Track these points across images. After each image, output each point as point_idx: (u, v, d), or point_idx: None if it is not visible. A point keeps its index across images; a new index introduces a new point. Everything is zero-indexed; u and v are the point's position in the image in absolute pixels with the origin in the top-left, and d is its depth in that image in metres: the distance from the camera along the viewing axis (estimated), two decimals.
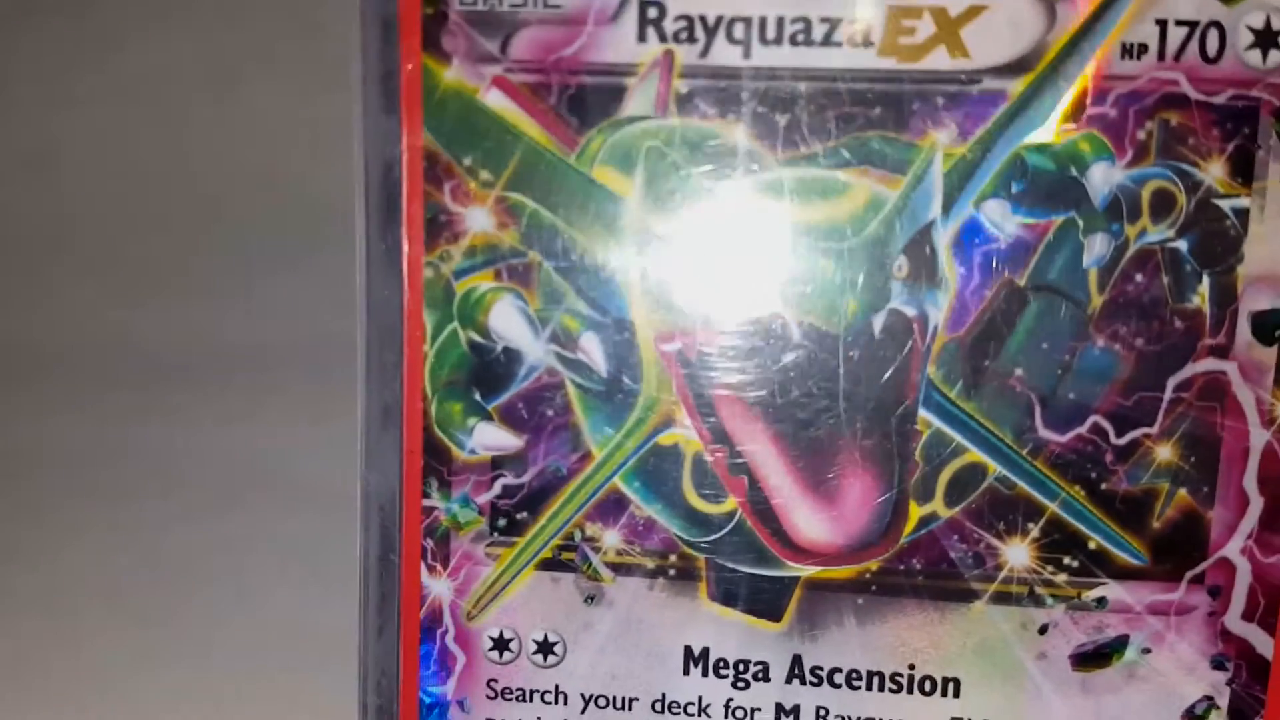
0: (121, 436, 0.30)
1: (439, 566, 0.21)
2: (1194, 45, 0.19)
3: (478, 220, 0.20)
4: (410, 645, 0.22)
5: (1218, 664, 0.21)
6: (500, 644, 0.21)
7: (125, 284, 0.31)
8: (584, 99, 0.20)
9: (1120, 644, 0.21)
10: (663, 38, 0.19)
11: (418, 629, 0.22)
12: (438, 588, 0.21)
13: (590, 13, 0.19)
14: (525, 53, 0.20)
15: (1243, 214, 0.19)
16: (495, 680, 0.22)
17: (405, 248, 0.20)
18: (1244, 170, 0.19)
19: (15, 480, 0.30)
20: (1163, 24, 0.19)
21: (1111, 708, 0.21)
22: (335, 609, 0.27)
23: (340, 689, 0.27)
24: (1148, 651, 0.21)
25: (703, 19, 0.19)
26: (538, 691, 0.22)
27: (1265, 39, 0.19)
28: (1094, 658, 0.21)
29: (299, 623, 0.27)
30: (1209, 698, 0.21)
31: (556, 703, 0.22)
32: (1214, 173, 0.19)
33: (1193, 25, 0.19)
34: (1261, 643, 0.20)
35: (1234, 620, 0.20)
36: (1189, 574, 0.20)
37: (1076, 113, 0.19)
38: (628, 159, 0.20)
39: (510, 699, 0.22)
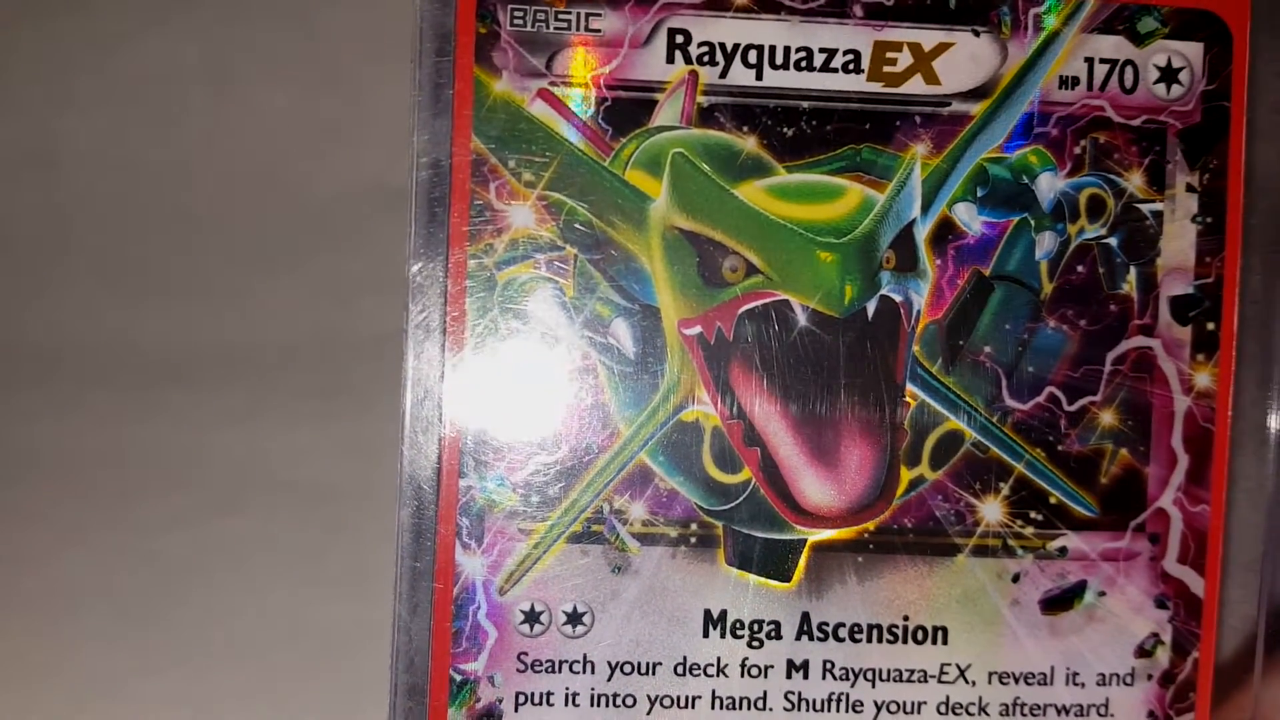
0: (122, 437, 0.29)
1: (473, 544, 0.21)
2: (1115, 79, 0.22)
3: (520, 217, 0.21)
4: (443, 623, 0.22)
5: (1160, 604, 0.23)
6: (531, 617, 0.22)
7: (125, 284, 0.30)
8: (619, 111, 0.21)
9: (1080, 589, 0.23)
10: (688, 60, 0.21)
11: (450, 606, 0.22)
12: (471, 565, 0.21)
13: (626, 37, 0.21)
14: (567, 69, 0.21)
15: (1159, 215, 0.22)
16: (525, 654, 0.22)
17: (451, 241, 0.21)
18: (1158, 180, 0.22)
19: (15, 480, 0.28)
20: (1090, 61, 0.22)
21: (1076, 647, 0.22)
22: (335, 609, 0.27)
23: (339, 688, 0.26)
24: (1103, 595, 0.23)
25: (722, 45, 0.21)
26: (566, 662, 0.22)
27: (1168, 75, 0.22)
28: (1059, 602, 0.23)
29: (299, 623, 0.26)
30: (1155, 634, 0.23)
31: (584, 672, 0.22)
32: (1135, 182, 0.22)
33: (1113, 62, 0.22)
34: (1194, 583, 0.23)
35: (1171, 563, 0.23)
36: (1132, 523, 0.22)
37: (1024, 131, 0.22)
38: (656, 163, 0.21)
39: (540, 671, 0.22)
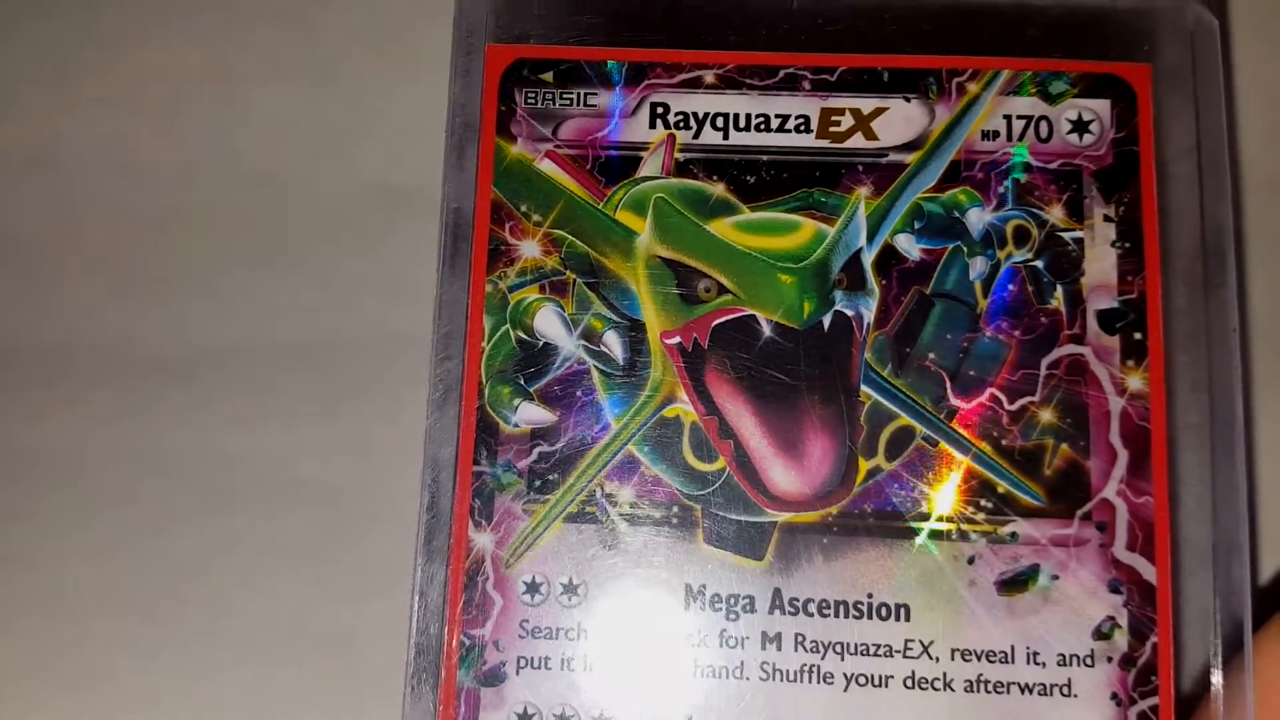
0: (122, 437, 0.28)
1: (484, 522, 0.24)
2: (1031, 131, 0.26)
3: (529, 250, 0.25)
4: (455, 592, 0.24)
5: (1114, 588, 0.24)
6: (532, 588, 0.24)
7: (126, 284, 0.29)
8: (610, 166, 0.26)
9: (1033, 572, 0.24)
10: (667, 125, 0.26)
11: (462, 577, 0.24)
12: (481, 541, 0.24)
13: (616, 109, 0.26)
14: (570, 135, 0.26)
15: (1080, 241, 0.25)
16: (526, 621, 0.24)
17: (473, 269, 0.25)
18: (1077, 212, 0.25)
19: (15, 480, 0.28)
20: (1009, 117, 0.26)
21: (1035, 627, 0.22)
22: (336, 608, 0.27)
23: (338, 688, 0.26)
24: (1056, 578, 0.24)
25: (695, 114, 0.26)
26: (563, 629, 0.24)
27: (1080, 127, 0.26)
28: (1014, 584, 0.24)
29: (301, 622, 0.26)
30: (1111, 618, 0.23)
31: (579, 639, 0.24)
32: (1056, 214, 0.25)
33: (1029, 118, 0.26)
34: (1146, 570, 0.24)
35: (1121, 550, 0.24)
36: (1079, 512, 0.23)
37: (954, 175, 0.26)
38: (641, 206, 0.25)
39: (539, 637, 0.24)
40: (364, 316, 0.29)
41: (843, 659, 0.22)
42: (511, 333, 0.24)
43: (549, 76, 0.25)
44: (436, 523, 0.23)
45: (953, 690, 0.22)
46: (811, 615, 0.23)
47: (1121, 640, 0.22)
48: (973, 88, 0.24)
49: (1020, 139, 0.24)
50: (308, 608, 0.27)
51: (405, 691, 0.23)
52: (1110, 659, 0.22)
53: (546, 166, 0.24)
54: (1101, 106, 0.24)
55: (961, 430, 0.23)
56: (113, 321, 0.29)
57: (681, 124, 0.24)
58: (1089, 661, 0.22)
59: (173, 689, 0.26)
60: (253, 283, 0.29)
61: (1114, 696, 0.22)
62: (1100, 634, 0.22)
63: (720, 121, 0.25)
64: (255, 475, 0.28)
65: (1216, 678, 0.22)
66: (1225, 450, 0.23)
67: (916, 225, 0.24)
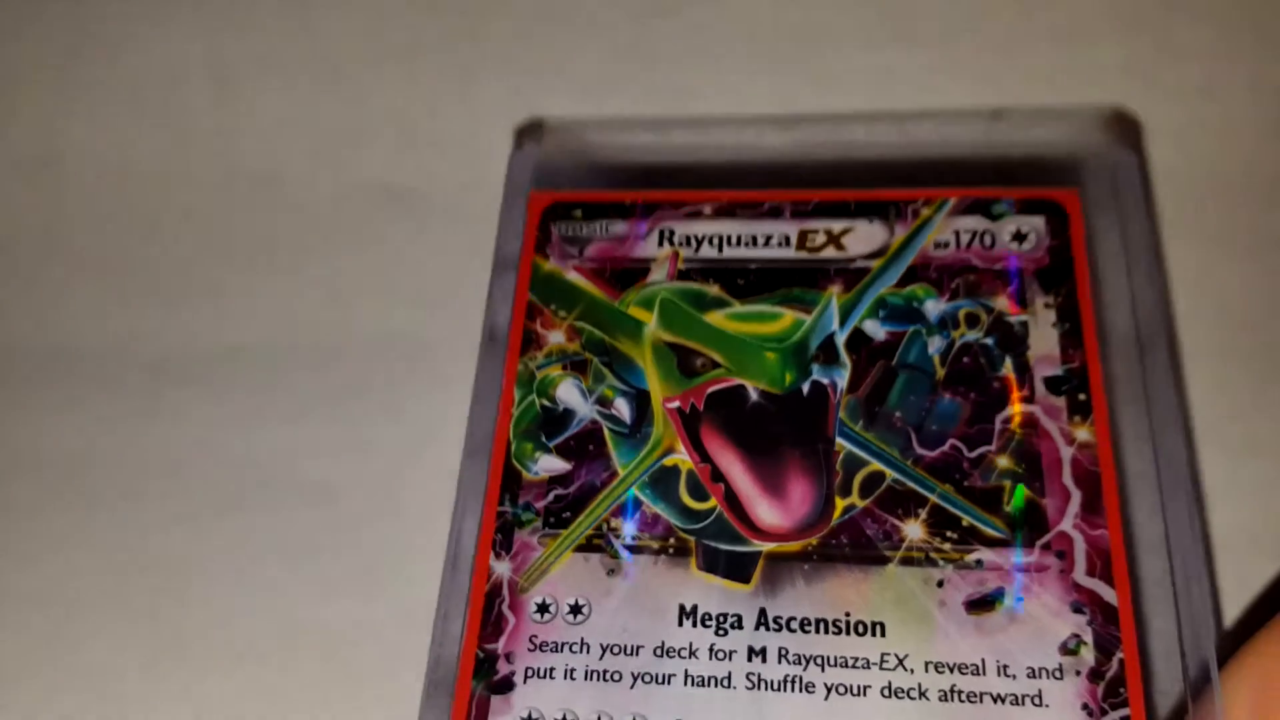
0: (122, 437, 0.27)
1: (503, 553, 0.27)
2: (977, 241, 0.30)
3: (555, 338, 0.30)
4: (475, 612, 0.26)
5: (1077, 609, 0.25)
6: (542, 608, 0.26)
7: (127, 284, 0.29)
8: (624, 274, 0.31)
9: (999, 594, 0.25)
10: (673, 244, 0.31)
11: (482, 599, 0.27)
12: (500, 569, 0.27)
13: (631, 234, 0.31)
14: (594, 253, 0.31)
15: (1025, 323, 0.29)
16: (535, 636, 0.26)
17: (508, 353, 0.30)
18: (1021, 300, 0.29)
19: (16, 480, 0.27)
20: (957, 233, 0.30)
21: (1003, 643, 0.24)
22: (336, 607, 0.27)
23: (340, 688, 0.26)
24: (1021, 599, 0.25)
25: (695, 235, 0.31)
26: (567, 644, 0.26)
27: (1019, 237, 0.30)
28: (981, 604, 0.25)
29: (302, 623, 0.26)
30: (1077, 635, 0.24)
31: (581, 652, 0.26)
32: (1001, 303, 0.29)
33: (975, 231, 0.30)
34: (1106, 593, 0.25)
35: (1081, 575, 0.25)
36: (1039, 541, 0.25)
37: (912, 276, 0.30)
38: (649, 303, 0.30)
39: (546, 650, 0.26)
40: (364, 318, 0.29)
41: (823, 670, 0.24)
42: (537, 401, 0.28)
43: (579, 214, 0.31)
44: (461, 555, 0.26)
45: (927, 699, 0.24)
46: (794, 631, 0.25)
47: (1088, 655, 0.24)
48: (926, 211, 0.30)
49: (968, 246, 0.29)
50: (308, 608, 0.27)
51: (421, 701, 0.25)
52: (1079, 672, 0.23)
53: (573, 276, 0.30)
54: (1038, 222, 0.29)
55: (926, 474, 0.26)
56: (113, 322, 0.29)
57: (684, 242, 0.30)
58: (1058, 674, 0.23)
59: (172, 688, 0.26)
60: (253, 283, 0.29)
61: (1085, 707, 0.23)
62: (1067, 649, 0.24)
63: (716, 240, 0.30)
64: (256, 475, 0.28)
65: (1187, 689, 0.23)
66: (1171, 489, 0.25)
67: (881, 313, 0.28)
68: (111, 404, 0.29)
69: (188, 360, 0.29)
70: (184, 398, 0.29)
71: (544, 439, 0.27)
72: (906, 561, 0.25)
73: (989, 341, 0.27)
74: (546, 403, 0.28)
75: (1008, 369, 0.27)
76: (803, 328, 0.28)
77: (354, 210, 0.31)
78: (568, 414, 0.28)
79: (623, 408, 0.28)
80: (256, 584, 0.28)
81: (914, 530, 0.25)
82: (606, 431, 0.27)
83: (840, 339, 0.28)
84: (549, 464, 0.27)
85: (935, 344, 0.28)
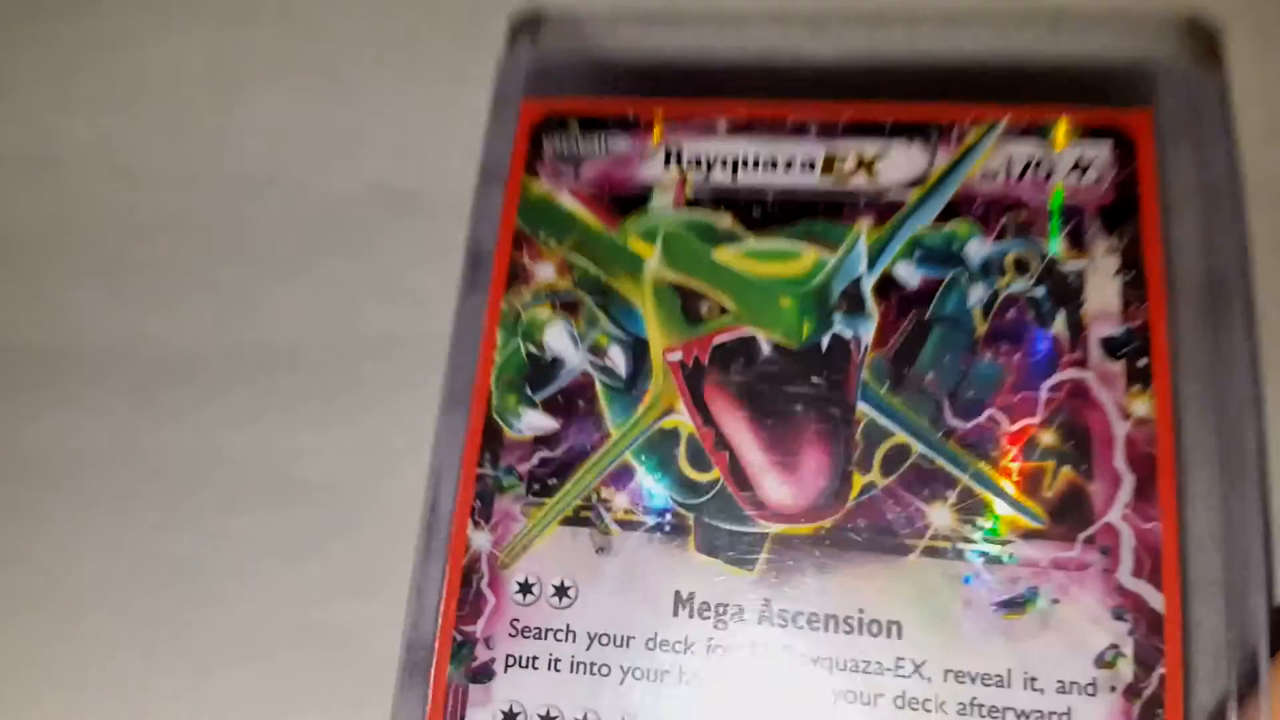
0: (123, 437, 0.27)
1: (482, 522, 0.24)
2: (1030, 172, 0.26)
3: (544, 273, 0.26)
4: (452, 589, 0.24)
5: (1118, 616, 0.22)
6: (525, 588, 0.24)
7: (127, 285, 0.29)
8: (625, 201, 0.27)
9: (1032, 594, 0.22)
10: (680, 166, 0.27)
11: (459, 574, 0.24)
12: (479, 540, 0.24)
13: (634, 154, 0.27)
14: (591, 175, 0.27)
15: (1081, 273, 0.25)
16: (517, 620, 0.23)
17: (491, 287, 0.26)
18: (1078, 244, 0.25)
19: (16, 480, 0.27)
20: (1009, 160, 0.26)
21: (1032, 651, 0.21)
22: (336, 607, 0.26)
23: (340, 688, 0.25)
24: (1056, 602, 0.22)
25: (706, 156, 0.27)
26: (551, 630, 0.24)
27: (1080, 168, 0.26)
28: (1011, 605, 0.22)
29: (302, 622, 0.26)
30: (1115, 646, 0.21)
31: (566, 640, 0.23)
32: (1055, 247, 0.25)
33: (1029, 160, 0.26)
34: (1153, 598, 0.22)
35: (1126, 577, 0.22)
36: (1081, 535, 0.22)
37: (953, 211, 0.26)
38: (651, 235, 0.26)
39: (529, 636, 0.23)
40: (364, 318, 0.29)
41: (831, 673, 0.22)
42: (523, 346, 0.25)
43: (574, 126, 0.26)
44: (437, 522, 0.24)
45: (944, 713, 0.21)
46: (801, 628, 0.22)
47: (1126, 669, 0.21)
48: (973, 134, 0.25)
49: (1019, 179, 0.25)
50: (306, 607, 0.27)
51: (397, 686, 0.23)
52: (1114, 688, 0.21)
53: (566, 200, 0.26)
54: (1102, 149, 0.25)
55: (959, 449, 0.23)
56: (113, 322, 0.29)
57: (694, 165, 0.26)
58: (1090, 690, 0.21)
59: (172, 687, 0.26)
60: (253, 283, 0.29)
61: None
62: (1103, 662, 0.21)
63: (730, 162, 0.26)
64: (255, 475, 0.28)
65: (1232, 715, 0.20)
66: (1237, 477, 0.22)
67: (916, 255, 0.24)
68: (111, 404, 0.28)
69: (188, 360, 0.29)
70: (184, 398, 0.29)
71: (529, 391, 0.24)
72: (930, 552, 0.22)
73: (1039, 293, 0.24)
74: (533, 349, 0.24)
75: (1058, 326, 0.23)
76: (825, 269, 0.24)
77: (354, 210, 0.30)
78: (556, 363, 0.24)
79: (617, 358, 0.24)
80: (256, 583, 0.27)
81: (941, 516, 0.22)
82: (599, 386, 0.24)
83: (868, 285, 0.24)
84: (534, 421, 0.24)
85: (976, 294, 0.24)
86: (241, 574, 0.27)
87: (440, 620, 0.23)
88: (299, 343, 0.29)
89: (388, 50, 0.30)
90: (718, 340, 0.24)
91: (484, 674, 0.22)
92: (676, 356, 0.24)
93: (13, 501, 0.28)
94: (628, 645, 0.22)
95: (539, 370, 0.24)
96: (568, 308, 0.25)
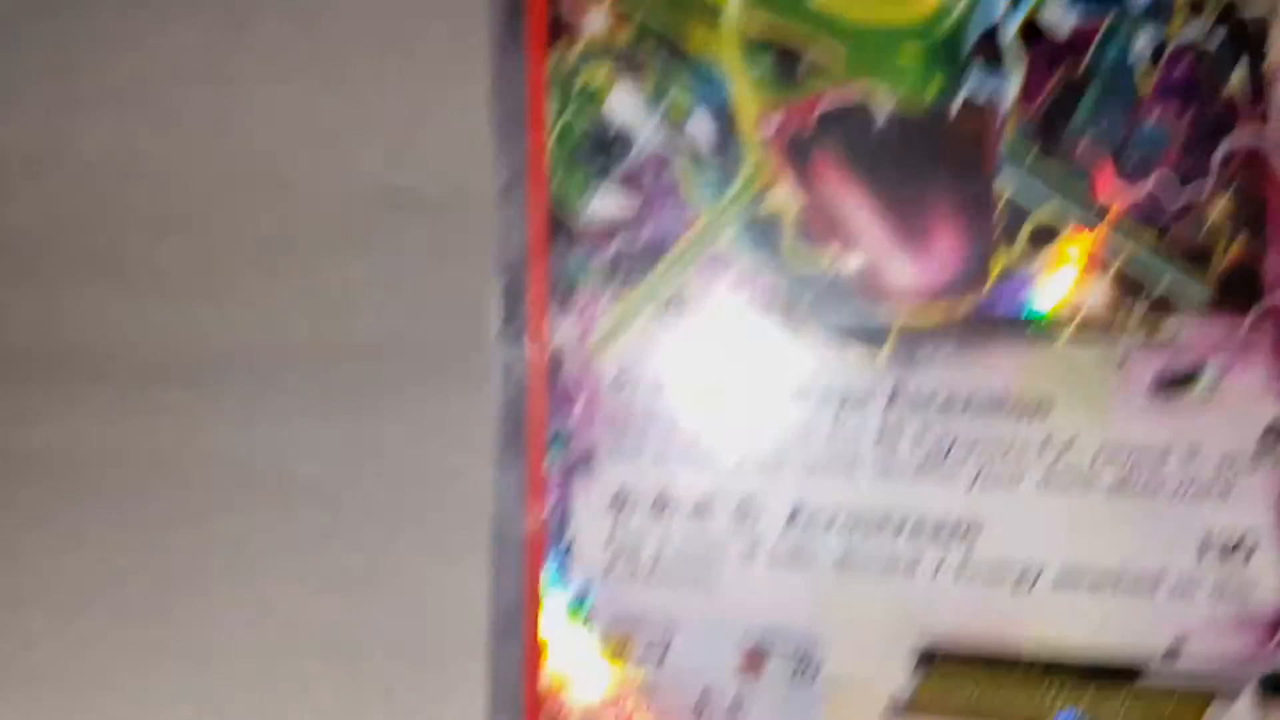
0: (122, 437, 0.28)
1: (562, 311, 0.20)
2: None
3: (594, 23, 0.21)
4: (538, 379, 0.20)
5: None
6: (619, 381, 0.20)
7: (126, 284, 0.29)
8: None
9: (1197, 370, 0.19)
10: None
11: (545, 363, 0.20)
12: (564, 328, 0.20)
13: None
14: None
15: (1264, 19, 0.21)
16: (613, 411, 0.20)
17: (528, 45, 0.22)
18: None
19: (15, 480, 0.28)
20: None
21: (1195, 427, 0.19)
22: (336, 607, 0.25)
23: (340, 688, 0.25)
24: (1222, 378, 0.19)
25: None
26: (649, 414, 0.20)
27: None
28: (1171, 384, 0.19)
29: (299, 623, 0.25)
30: None
31: (670, 429, 0.20)
32: None
33: None
34: None
35: None
36: (1252, 309, 0.19)
37: None
38: None
39: (626, 428, 0.20)
40: (364, 317, 0.28)
41: (968, 456, 0.19)
42: (578, 119, 0.20)
43: None
44: (515, 309, 0.20)
45: (1093, 490, 0.19)
46: (934, 410, 0.19)
47: None
48: None
49: None
50: (307, 606, 0.26)
51: (495, 471, 0.21)
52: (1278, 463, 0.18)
53: None
54: None
55: (1118, 222, 0.19)
56: (114, 322, 0.29)
57: None
58: (1253, 463, 0.18)
59: (171, 687, 0.25)
60: (253, 283, 0.29)
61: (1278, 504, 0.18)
62: (1271, 433, 0.18)
63: None
64: (255, 475, 0.27)
65: None
66: None
67: None
68: (111, 404, 0.29)
69: (188, 360, 0.29)
70: (184, 398, 0.29)
71: (595, 171, 0.20)
72: (1082, 332, 0.19)
73: (1215, 42, 0.19)
74: (592, 120, 0.20)
75: (1237, 81, 0.19)
76: (954, 12, 0.20)
77: (354, 210, 0.29)
78: (622, 137, 0.20)
79: (701, 128, 0.20)
80: (256, 583, 0.26)
81: (1095, 295, 0.19)
82: (679, 162, 0.20)
83: (1009, 31, 0.20)
84: (606, 206, 0.20)
85: (1141, 42, 0.20)
86: (241, 573, 0.27)
87: (529, 419, 0.19)
88: (299, 341, 0.28)
89: (388, 47, 0.29)
90: (823, 108, 0.20)
91: (585, 461, 0.20)
92: (773, 126, 0.20)
93: (12, 501, 0.28)
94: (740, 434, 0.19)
95: (603, 146, 0.20)
96: (631, 67, 0.20)
